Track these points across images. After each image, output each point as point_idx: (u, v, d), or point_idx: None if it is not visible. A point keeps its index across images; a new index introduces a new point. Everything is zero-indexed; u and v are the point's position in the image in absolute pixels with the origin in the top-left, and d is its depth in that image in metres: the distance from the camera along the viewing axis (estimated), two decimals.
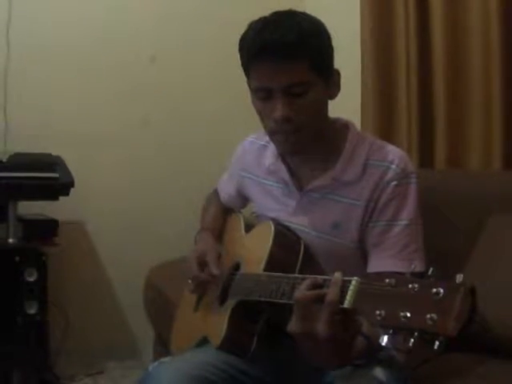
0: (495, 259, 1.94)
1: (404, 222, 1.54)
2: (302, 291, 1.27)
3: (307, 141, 1.55)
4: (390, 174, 1.55)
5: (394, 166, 1.55)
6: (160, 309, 2.54)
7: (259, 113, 1.56)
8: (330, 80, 1.55)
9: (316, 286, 1.26)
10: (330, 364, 1.34)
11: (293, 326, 1.27)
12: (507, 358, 1.74)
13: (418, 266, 1.47)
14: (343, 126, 1.64)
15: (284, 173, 1.66)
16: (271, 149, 1.70)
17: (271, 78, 1.48)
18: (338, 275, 1.21)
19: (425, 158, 2.60)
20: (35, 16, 2.96)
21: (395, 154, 1.58)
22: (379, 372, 1.44)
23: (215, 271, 1.69)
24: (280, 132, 1.54)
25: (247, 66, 1.54)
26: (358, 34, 2.70)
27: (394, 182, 1.54)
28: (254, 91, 1.54)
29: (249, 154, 1.80)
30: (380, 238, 1.55)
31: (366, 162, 1.57)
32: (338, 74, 1.58)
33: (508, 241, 1.96)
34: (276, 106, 1.49)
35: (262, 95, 1.52)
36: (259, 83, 1.51)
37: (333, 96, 1.58)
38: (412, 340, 0.99)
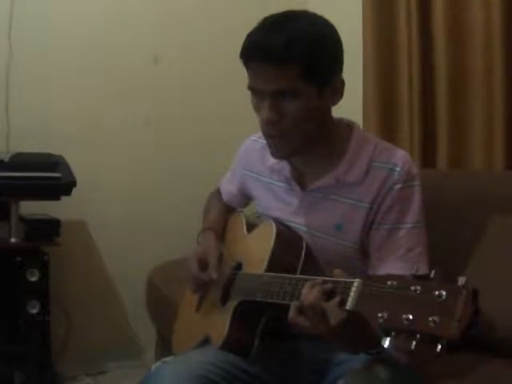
0: (497, 259, 1.94)
1: (409, 225, 1.54)
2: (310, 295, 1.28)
3: (294, 147, 1.55)
4: (394, 177, 1.54)
5: (398, 169, 1.55)
6: (162, 309, 2.54)
7: (254, 110, 1.57)
8: (326, 87, 1.52)
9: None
10: (345, 350, 1.39)
11: (309, 330, 1.28)
12: (508, 358, 1.74)
13: (422, 269, 1.47)
14: (347, 127, 1.64)
15: (287, 171, 1.66)
16: None
17: (259, 81, 1.49)
18: (338, 271, 1.22)
19: (427, 158, 2.60)
20: (37, 16, 2.95)
21: (399, 156, 1.58)
22: (382, 371, 1.44)
23: (214, 275, 1.69)
24: (266, 135, 1.56)
25: (244, 64, 1.54)
26: (360, 33, 2.70)
27: (399, 185, 1.54)
28: (248, 88, 1.55)
29: (252, 153, 1.80)
30: (384, 242, 1.54)
31: (370, 164, 1.57)
32: (340, 82, 1.56)
33: (509, 241, 1.96)
34: (263, 107, 1.50)
35: (254, 93, 1.53)
36: (251, 83, 1.53)
37: (331, 103, 1.57)
38: (414, 342, 0.99)
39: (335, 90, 1.55)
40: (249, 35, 1.52)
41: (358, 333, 1.25)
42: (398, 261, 1.52)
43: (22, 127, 2.89)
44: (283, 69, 1.46)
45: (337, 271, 1.30)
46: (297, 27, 1.49)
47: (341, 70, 1.57)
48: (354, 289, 1.15)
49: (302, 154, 1.62)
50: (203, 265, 1.73)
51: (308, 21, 1.53)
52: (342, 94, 1.57)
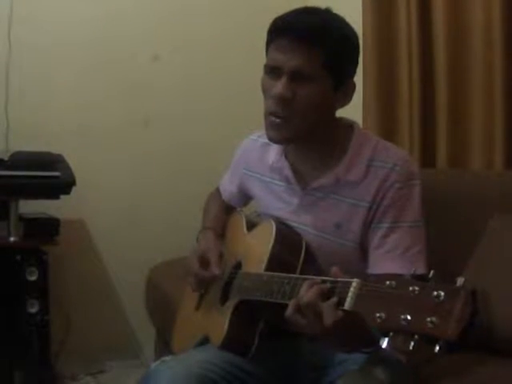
0: (496, 259, 1.94)
1: (407, 224, 1.54)
2: (308, 294, 1.28)
3: (294, 133, 1.55)
4: (393, 176, 1.54)
5: (398, 168, 1.55)
6: (161, 307, 2.54)
7: (263, 91, 1.57)
8: (341, 85, 1.54)
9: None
10: (340, 349, 1.37)
11: (305, 329, 1.28)
12: (508, 357, 1.74)
13: (419, 269, 1.47)
14: (348, 126, 1.64)
15: (287, 170, 1.66)
16: (275, 146, 1.69)
17: (282, 57, 1.50)
18: (335, 269, 1.22)
19: (426, 157, 2.59)
20: (37, 14, 2.95)
21: (399, 156, 1.58)
22: (381, 372, 1.44)
23: (216, 271, 1.69)
24: (272, 114, 1.54)
25: (269, 42, 1.55)
26: (360, 33, 2.69)
27: (398, 184, 1.54)
28: (265, 67, 1.55)
29: (252, 152, 1.80)
30: (382, 240, 1.54)
31: (369, 163, 1.57)
32: (353, 85, 1.58)
33: (509, 241, 1.96)
34: (278, 84, 1.50)
35: (271, 72, 1.53)
36: (272, 61, 1.53)
37: (340, 104, 1.58)
38: (412, 343, 0.99)
39: (347, 91, 1.57)
40: (281, 16, 1.54)
41: (353, 333, 1.25)
42: (396, 260, 1.51)
43: (22, 126, 2.90)
44: (312, 51, 1.47)
45: (334, 269, 1.30)
46: (331, 17, 1.54)
47: (354, 74, 1.59)
48: (352, 289, 1.15)
49: (301, 149, 1.62)
50: (204, 263, 1.73)
51: (341, 18, 1.56)
52: (350, 98, 1.59)
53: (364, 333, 1.22)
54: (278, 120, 1.54)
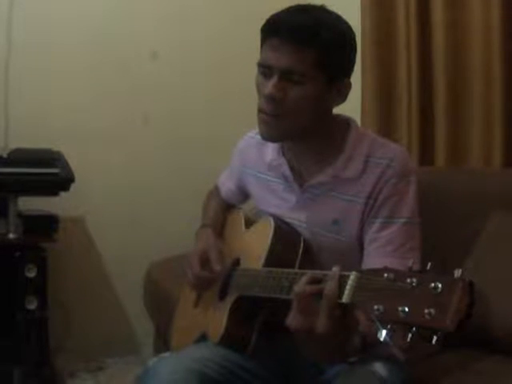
0: (495, 256, 1.94)
1: (402, 220, 1.54)
2: (301, 285, 1.27)
3: (285, 132, 1.56)
4: (390, 172, 1.54)
5: (394, 164, 1.55)
6: (160, 304, 2.54)
7: (257, 89, 1.57)
8: (335, 84, 1.54)
9: (315, 280, 1.27)
10: (324, 359, 1.35)
11: (291, 319, 1.27)
12: (507, 355, 1.74)
13: (413, 265, 1.47)
14: (344, 123, 1.64)
15: (285, 168, 1.66)
16: (272, 144, 1.70)
17: (274, 57, 1.50)
18: (335, 269, 1.21)
19: (425, 155, 2.60)
20: (36, 12, 2.95)
21: (396, 152, 1.58)
22: (379, 368, 1.44)
23: (218, 267, 1.69)
24: (263, 112, 1.54)
25: (262, 40, 1.55)
26: (359, 30, 2.70)
27: (394, 180, 1.54)
28: (258, 65, 1.55)
29: (250, 150, 1.80)
30: (377, 235, 1.54)
31: (366, 159, 1.57)
32: (348, 84, 1.57)
33: (508, 239, 1.96)
34: (269, 84, 1.51)
35: (264, 71, 1.54)
36: (264, 59, 1.53)
37: (334, 103, 1.58)
38: (410, 335, 0.99)
39: (341, 90, 1.57)
40: (274, 14, 1.54)
41: (344, 338, 1.25)
42: (389, 255, 1.51)
43: (21, 123, 2.89)
44: (302, 50, 1.47)
45: (334, 269, 1.30)
46: (325, 16, 1.53)
47: (350, 73, 1.59)
48: (350, 282, 1.15)
49: (298, 146, 1.63)
50: (204, 262, 1.73)
51: (336, 16, 1.56)
52: (345, 97, 1.58)
53: (349, 340, 1.24)
54: (269, 119, 1.54)
